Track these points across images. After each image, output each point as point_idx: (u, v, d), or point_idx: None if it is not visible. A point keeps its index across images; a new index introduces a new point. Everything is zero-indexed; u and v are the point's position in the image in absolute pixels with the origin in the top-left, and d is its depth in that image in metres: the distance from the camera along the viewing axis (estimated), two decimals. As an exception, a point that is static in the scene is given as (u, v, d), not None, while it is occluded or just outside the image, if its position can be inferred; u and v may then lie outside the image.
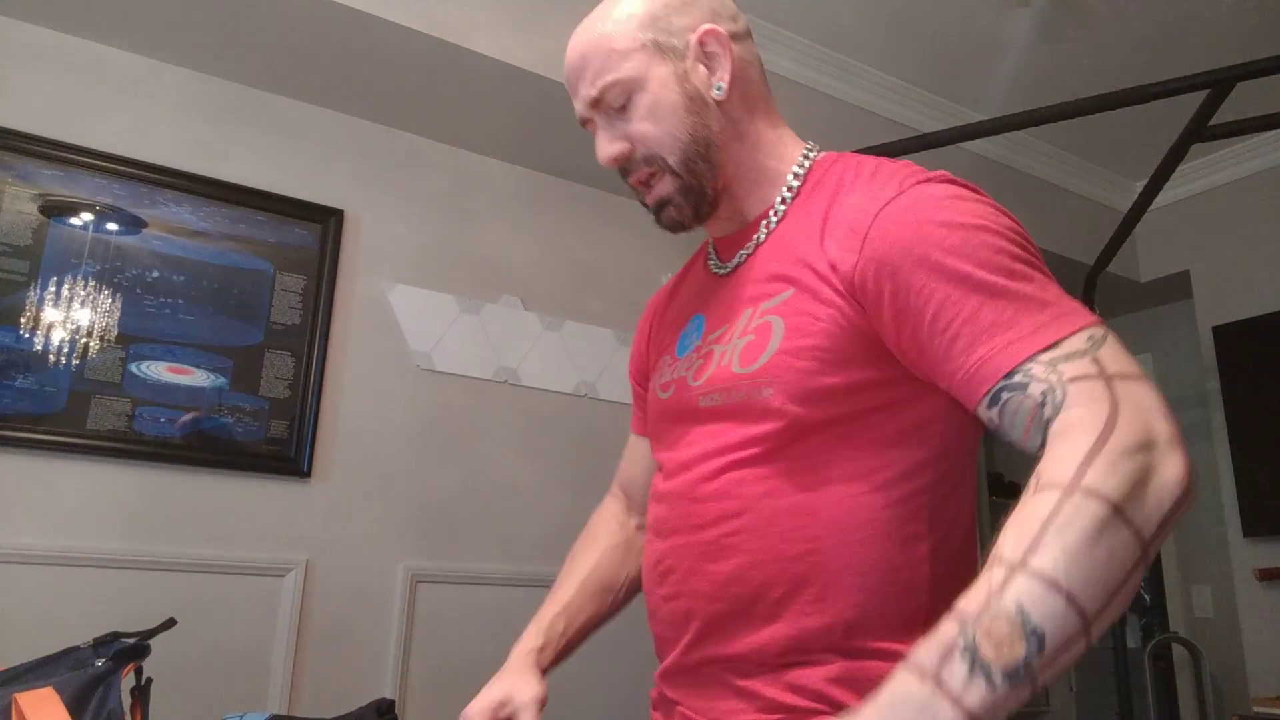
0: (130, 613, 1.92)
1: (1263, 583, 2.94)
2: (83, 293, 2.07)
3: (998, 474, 4.11)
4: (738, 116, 0.90)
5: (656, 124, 0.87)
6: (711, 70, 0.88)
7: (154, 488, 2.07)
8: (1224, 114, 2.02)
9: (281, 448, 2.22)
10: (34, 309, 2.01)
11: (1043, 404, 0.67)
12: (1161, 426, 0.64)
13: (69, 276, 2.06)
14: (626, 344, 2.80)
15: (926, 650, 0.59)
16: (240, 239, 2.27)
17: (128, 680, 1.28)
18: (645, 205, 0.92)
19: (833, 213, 0.82)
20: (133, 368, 2.09)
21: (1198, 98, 1.98)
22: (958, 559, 0.82)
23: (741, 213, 0.92)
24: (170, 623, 1.38)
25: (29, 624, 1.87)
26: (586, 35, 0.90)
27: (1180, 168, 2.49)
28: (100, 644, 1.26)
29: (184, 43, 2.18)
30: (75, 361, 2.03)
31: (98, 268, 2.09)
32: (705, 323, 0.93)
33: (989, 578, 0.60)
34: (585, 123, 0.93)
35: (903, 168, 0.82)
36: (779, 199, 0.90)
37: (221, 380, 2.18)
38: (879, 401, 0.80)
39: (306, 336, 2.30)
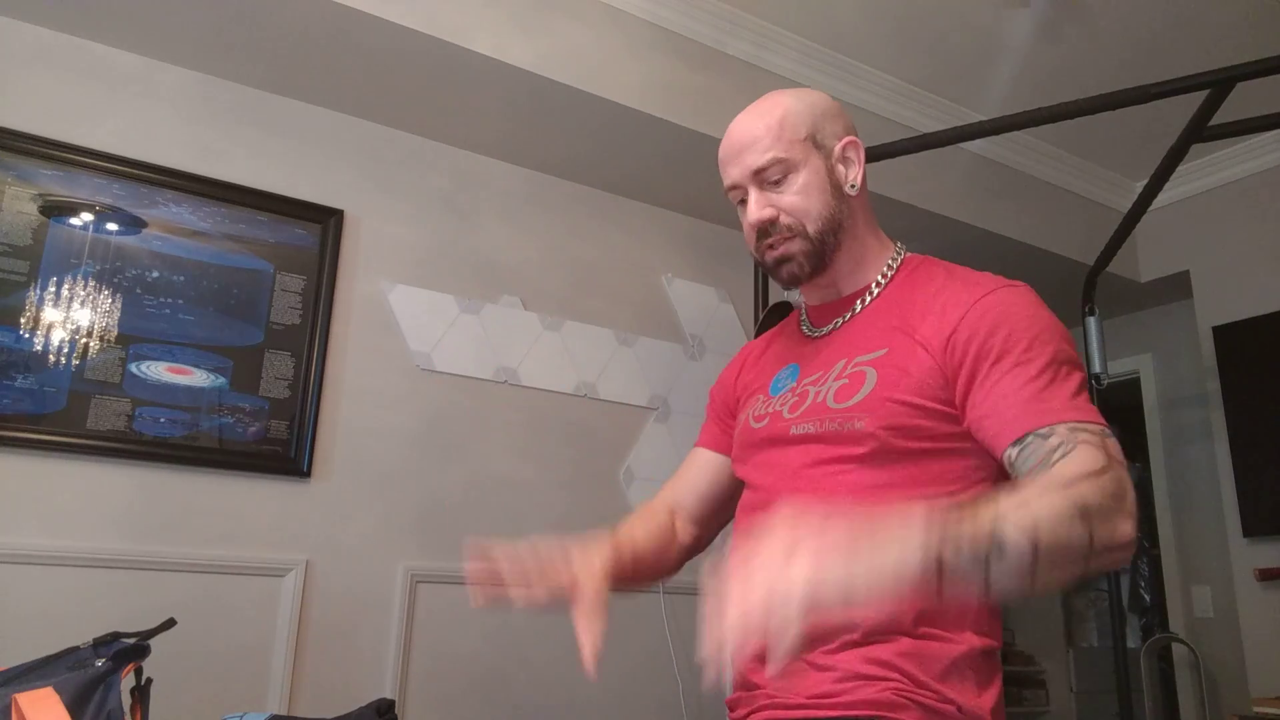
0: (130, 613, 1.92)
1: (1263, 583, 2.94)
2: (83, 293, 2.07)
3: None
4: (857, 210, 1.12)
5: (806, 199, 1.08)
6: (848, 171, 1.11)
7: (154, 488, 2.07)
8: (1224, 114, 2.02)
9: (281, 448, 2.22)
10: (34, 309, 2.01)
11: (1055, 450, 0.88)
12: (1131, 500, 0.84)
13: (69, 276, 2.06)
14: (626, 344, 2.80)
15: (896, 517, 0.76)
16: (240, 239, 2.27)
17: (128, 680, 1.28)
18: (762, 262, 1.13)
19: (933, 301, 1.04)
20: (133, 368, 2.09)
21: (1198, 98, 1.98)
22: None
23: (837, 287, 1.15)
24: (170, 623, 1.38)
25: (29, 624, 1.87)
26: (759, 118, 1.10)
27: (1180, 168, 2.49)
28: (100, 644, 1.26)
29: (184, 43, 2.18)
30: (75, 361, 2.03)
31: (97, 268, 2.09)
32: (800, 370, 1.13)
33: (967, 510, 0.76)
34: (734, 189, 1.12)
35: (991, 276, 1.06)
36: (874, 283, 1.12)
37: (221, 380, 2.18)
38: (948, 447, 1.00)
39: (306, 336, 2.30)
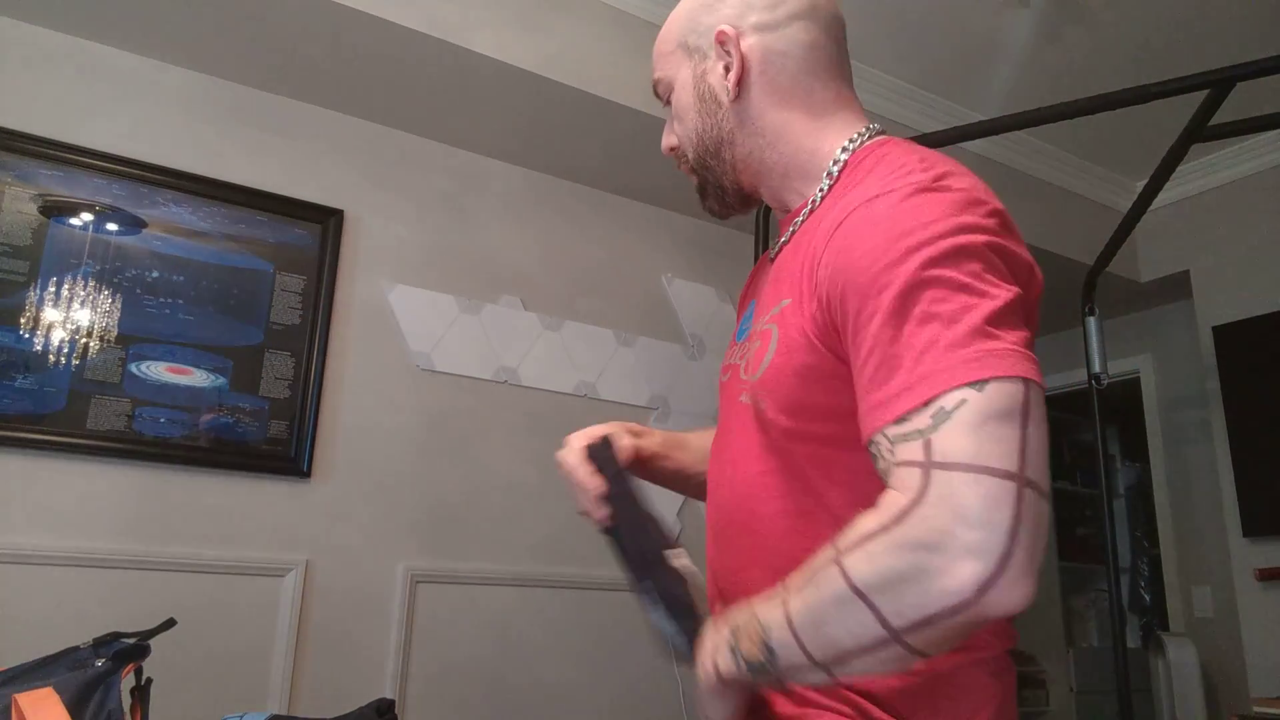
0: (130, 613, 1.92)
1: (1263, 583, 2.94)
2: (83, 293, 2.07)
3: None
4: (758, 112, 0.89)
5: (681, 123, 0.93)
6: (727, 69, 0.89)
7: (154, 488, 2.07)
8: (1224, 114, 2.02)
9: (281, 448, 2.22)
10: (34, 309, 2.01)
11: (885, 482, 0.67)
12: (962, 533, 0.59)
13: (69, 276, 2.06)
14: (626, 344, 2.80)
15: (713, 625, 0.74)
16: (240, 239, 2.27)
17: (128, 680, 1.28)
18: None
19: (831, 217, 0.79)
20: (133, 368, 2.09)
21: (1198, 98, 1.98)
22: None
23: (782, 202, 0.92)
24: (170, 623, 1.38)
25: (29, 624, 1.87)
26: (662, 29, 0.95)
27: (1180, 168, 2.49)
28: (100, 644, 1.26)
29: (184, 43, 2.18)
30: (75, 361, 2.03)
31: (97, 268, 2.09)
32: (754, 312, 0.92)
33: (775, 594, 0.69)
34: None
35: (894, 170, 0.77)
36: (817, 192, 0.86)
37: (221, 380, 2.18)
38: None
39: (306, 336, 2.30)
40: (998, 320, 0.66)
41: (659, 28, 0.98)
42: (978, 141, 2.93)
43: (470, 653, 2.35)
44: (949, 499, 0.60)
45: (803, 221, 0.86)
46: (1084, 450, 4.89)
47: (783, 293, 0.83)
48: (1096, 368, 2.70)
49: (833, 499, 0.78)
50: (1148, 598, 4.72)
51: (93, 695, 1.17)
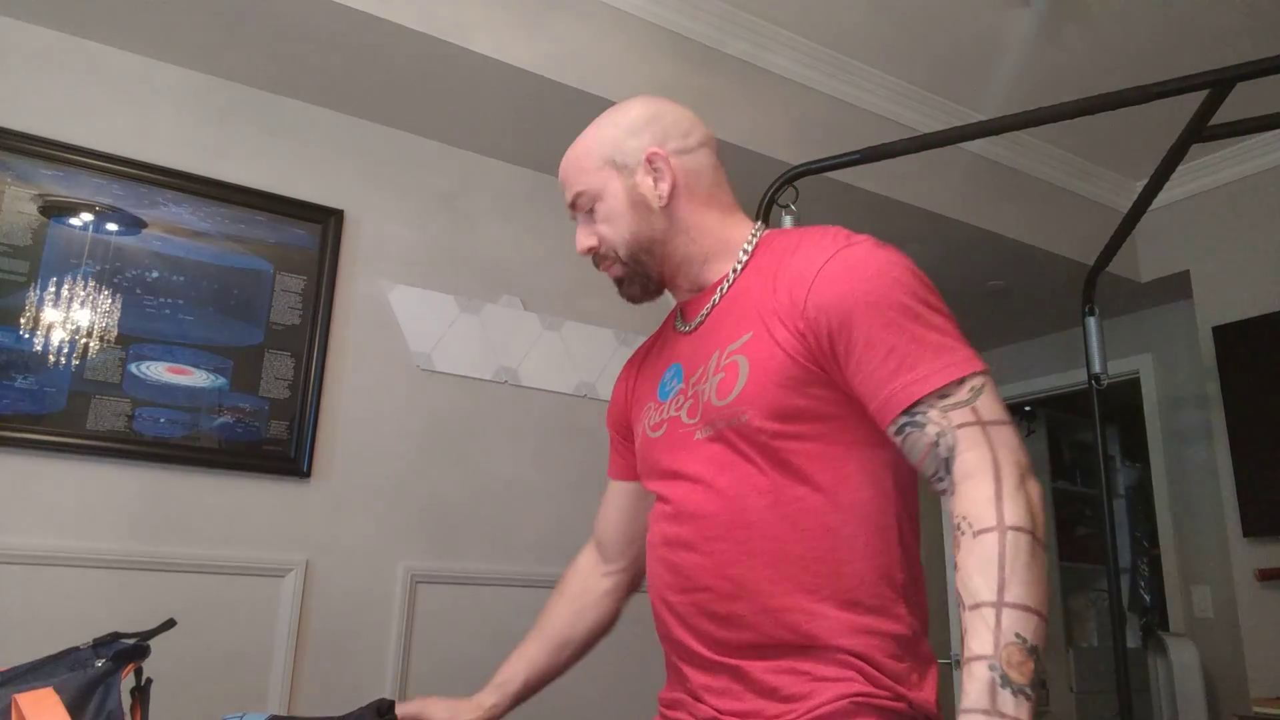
0: (130, 613, 1.92)
1: (1263, 583, 2.94)
2: (82, 293, 2.07)
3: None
4: (684, 214, 1.10)
5: (611, 227, 1.11)
6: (658, 183, 1.09)
7: (154, 488, 2.07)
8: (1224, 114, 2.02)
9: (281, 448, 2.22)
10: (34, 309, 2.01)
11: (936, 443, 0.90)
12: (1024, 460, 0.89)
13: (69, 277, 2.06)
14: (626, 344, 2.80)
15: (974, 694, 0.79)
16: (240, 239, 2.27)
17: (128, 681, 1.28)
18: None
19: (780, 273, 1.02)
20: (132, 368, 2.09)
21: (1198, 98, 1.97)
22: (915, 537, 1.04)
23: (699, 282, 1.13)
24: (170, 623, 1.37)
25: (29, 624, 1.87)
26: (572, 152, 1.14)
27: (1180, 168, 2.49)
28: (100, 644, 1.26)
29: (184, 43, 2.18)
30: (75, 362, 2.03)
31: (97, 268, 2.09)
32: (683, 370, 1.11)
33: (984, 618, 0.81)
34: (572, 212, 1.15)
35: (834, 235, 1.02)
36: (732, 268, 1.10)
37: (221, 380, 2.18)
38: (840, 413, 0.98)
39: (306, 337, 2.30)
40: (960, 332, 0.96)
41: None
42: (978, 141, 2.93)
43: (470, 653, 2.35)
44: (1008, 443, 0.89)
45: (729, 286, 1.09)
46: (1084, 450, 4.89)
47: (739, 331, 1.03)
48: (1096, 368, 2.70)
49: (817, 477, 0.97)
50: (1148, 598, 4.72)
51: (93, 695, 1.17)
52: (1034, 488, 0.88)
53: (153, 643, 1.33)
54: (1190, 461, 3.56)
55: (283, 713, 2.06)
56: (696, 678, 1.02)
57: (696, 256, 1.11)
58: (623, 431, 1.28)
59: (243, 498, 2.16)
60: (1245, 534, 3.00)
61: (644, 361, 1.25)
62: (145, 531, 2.04)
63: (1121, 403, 4.16)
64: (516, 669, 1.29)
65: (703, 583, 1.00)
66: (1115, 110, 1.95)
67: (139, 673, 1.29)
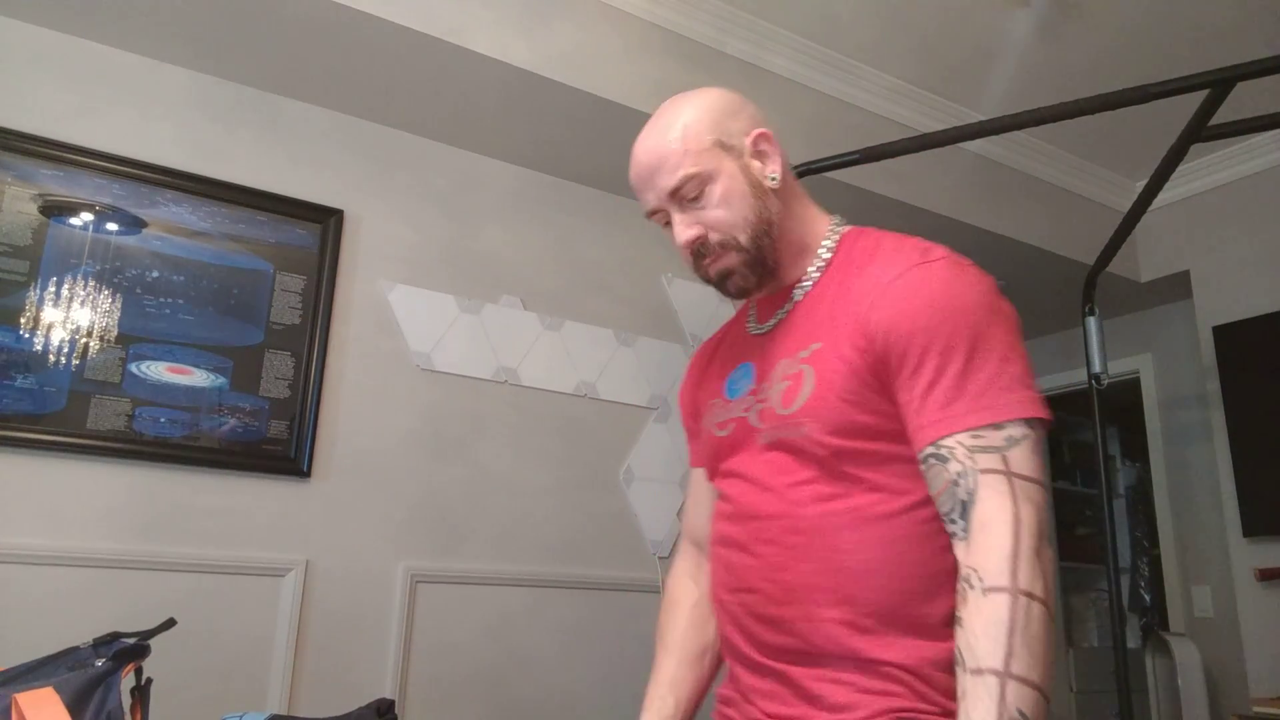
0: (130, 613, 1.92)
1: (1263, 583, 2.94)
2: (83, 293, 2.07)
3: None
4: (787, 200, 1.08)
5: (729, 210, 1.03)
6: (765, 164, 1.06)
7: (154, 488, 2.07)
8: (1224, 114, 2.02)
9: (281, 448, 2.22)
10: (34, 309, 2.01)
11: (956, 482, 0.88)
12: (1046, 524, 0.87)
13: (69, 276, 2.06)
14: (626, 344, 2.80)
15: None
16: (240, 239, 2.27)
17: (128, 680, 1.28)
18: (707, 279, 1.08)
19: (854, 283, 1.00)
20: (133, 368, 2.09)
21: (1198, 98, 1.97)
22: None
23: (781, 279, 1.10)
24: (170, 623, 1.38)
25: (29, 624, 1.87)
26: (657, 138, 1.05)
27: (1180, 168, 2.49)
28: (100, 644, 1.26)
29: (184, 43, 2.18)
30: (75, 361, 2.03)
31: (98, 268, 2.09)
32: (755, 372, 1.09)
33: (988, 686, 0.79)
34: (655, 213, 1.08)
35: (911, 248, 1.00)
36: (813, 268, 1.08)
37: (221, 380, 2.18)
38: (901, 430, 0.95)
39: (306, 336, 2.30)
40: (1028, 374, 0.93)
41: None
42: (978, 141, 2.93)
43: (471, 653, 2.35)
44: (1032, 500, 0.86)
45: (807, 291, 1.07)
46: (1084, 450, 4.89)
47: (810, 339, 1.01)
48: (1096, 368, 2.70)
49: (874, 493, 0.96)
50: (1148, 598, 4.72)
51: (93, 695, 1.17)
52: (1049, 555, 0.85)
53: (153, 642, 1.33)
54: (1190, 461, 3.56)
55: (283, 713, 2.06)
56: (746, 679, 1.03)
57: (794, 244, 1.08)
58: (696, 419, 1.24)
59: (243, 497, 2.16)
60: (1245, 534, 3.00)
61: (714, 355, 1.23)
62: (146, 531, 2.04)
63: (1121, 403, 4.16)
64: (664, 699, 1.15)
65: (753, 584, 1.01)
66: (1115, 110, 1.96)
67: (139, 672, 1.30)
